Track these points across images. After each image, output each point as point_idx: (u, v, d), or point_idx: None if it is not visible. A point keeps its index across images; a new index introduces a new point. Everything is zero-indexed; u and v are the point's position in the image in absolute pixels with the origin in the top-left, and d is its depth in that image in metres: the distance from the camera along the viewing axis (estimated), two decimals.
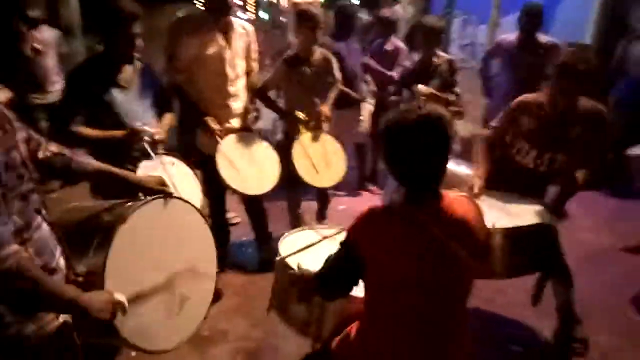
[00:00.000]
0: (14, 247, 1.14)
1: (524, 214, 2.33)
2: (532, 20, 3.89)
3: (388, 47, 4.36)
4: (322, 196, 3.63)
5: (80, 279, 1.45)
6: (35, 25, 1.20)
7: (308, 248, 1.98)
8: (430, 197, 1.43)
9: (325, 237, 2.08)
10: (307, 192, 3.67)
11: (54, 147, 1.55)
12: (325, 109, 3.26)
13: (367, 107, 4.35)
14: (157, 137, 2.38)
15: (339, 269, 1.50)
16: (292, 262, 1.86)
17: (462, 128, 4.36)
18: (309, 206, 3.74)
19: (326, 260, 1.55)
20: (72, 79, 2.38)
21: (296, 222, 3.53)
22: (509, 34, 4.20)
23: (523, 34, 3.96)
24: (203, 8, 2.96)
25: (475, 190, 2.42)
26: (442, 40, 3.67)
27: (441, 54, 3.64)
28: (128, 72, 2.40)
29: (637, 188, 3.06)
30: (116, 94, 2.34)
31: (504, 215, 2.31)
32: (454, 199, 1.46)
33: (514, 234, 2.16)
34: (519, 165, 2.60)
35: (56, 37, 3.82)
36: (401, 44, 4.45)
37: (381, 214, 1.45)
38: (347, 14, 4.11)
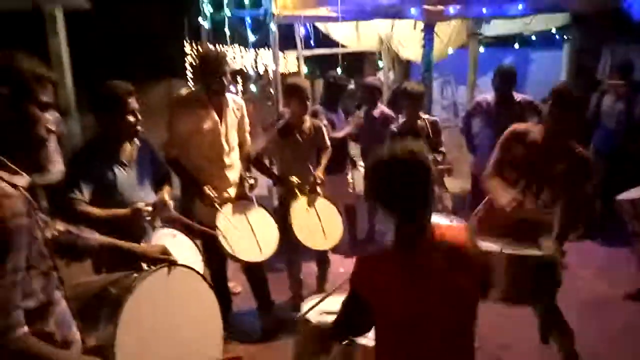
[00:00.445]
0: (25, 329, 1.17)
1: (529, 248, 2.38)
2: (506, 81, 4.20)
3: (376, 113, 4.54)
4: (322, 260, 3.64)
5: (92, 352, 1.46)
6: (47, 108, 1.28)
7: (324, 299, 1.99)
8: (421, 233, 1.46)
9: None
10: (306, 256, 3.70)
11: (60, 226, 1.61)
12: (319, 173, 3.38)
13: (360, 171, 4.49)
14: (158, 205, 2.44)
15: (350, 312, 1.54)
16: (313, 318, 1.89)
17: (452, 185, 4.50)
18: (309, 270, 3.75)
19: (340, 308, 1.59)
20: (75, 160, 2.45)
21: (297, 287, 3.53)
22: (486, 94, 4.47)
23: (498, 93, 4.25)
24: (193, 82, 3.12)
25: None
26: (424, 103, 3.86)
27: (424, 116, 3.82)
28: (128, 149, 2.50)
29: (631, 232, 3.11)
30: (118, 172, 2.42)
31: (509, 247, 2.35)
32: (445, 229, 1.50)
33: (520, 261, 2.22)
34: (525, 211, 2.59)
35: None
36: (387, 110, 4.65)
37: (375, 260, 1.50)
38: (338, 85, 4.38)
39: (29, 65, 1.25)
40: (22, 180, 1.25)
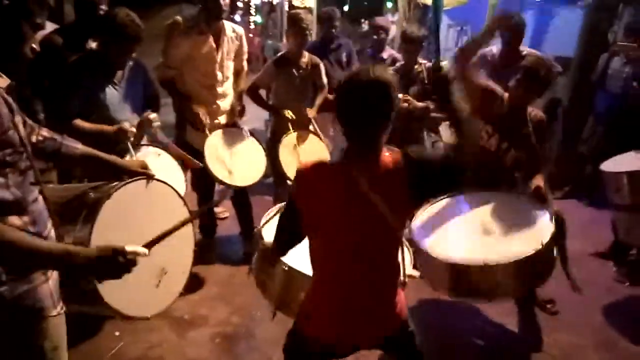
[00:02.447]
0: None
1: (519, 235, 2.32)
2: (514, 34, 3.98)
3: (384, 55, 4.43)
4: None
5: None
6: (38, 29, 1.34)
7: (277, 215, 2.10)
8: (367, 153, 1.52)
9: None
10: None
11: (45, 132, 1.69)
12: (312, 112, 3.43)
13: None
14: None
15: (285, 220, 1.63)
16: (267, 234, 2.01)
17: (447, 134, 4.51)
18: None
19: (279, 216, 1.68)
20: (69, 72, 2.52)
21: None
22: (492, 47, 4.30)
23: (505, 47, 4.05)
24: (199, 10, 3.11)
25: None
26: (421, 48, 3.77)
27: (422, 61, 3.78)
28: (120, 71, 2.59)
29: (610, 201, 3.14)
30: (108, 90, 2.52)
31: (494, 240, 2.31)
32: (389, 156, 1.55)
33: (518, 264, 2.11)
34: (485, 152, 2.73)
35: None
36: (397, 54, 4.49)
37: (318, 167, 1.57)
38: (330, 20, 4.18)
39: None
40: (2, 81, 1.31)
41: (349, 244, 1.54)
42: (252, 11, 7.18)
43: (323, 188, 1.52)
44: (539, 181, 2.57)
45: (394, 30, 7.44)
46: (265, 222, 2.15)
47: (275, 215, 2.17)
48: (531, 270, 2.17)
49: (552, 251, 2.27)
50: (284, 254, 1.75)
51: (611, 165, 3.15)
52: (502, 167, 2.72)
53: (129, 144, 2.45)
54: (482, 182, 2.57)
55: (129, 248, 1.40)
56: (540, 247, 2.13)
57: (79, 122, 2.44)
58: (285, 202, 1.65)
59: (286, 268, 1.92)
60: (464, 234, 2.37)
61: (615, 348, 2.74)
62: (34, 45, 1.38)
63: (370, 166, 1.51)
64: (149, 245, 1.52)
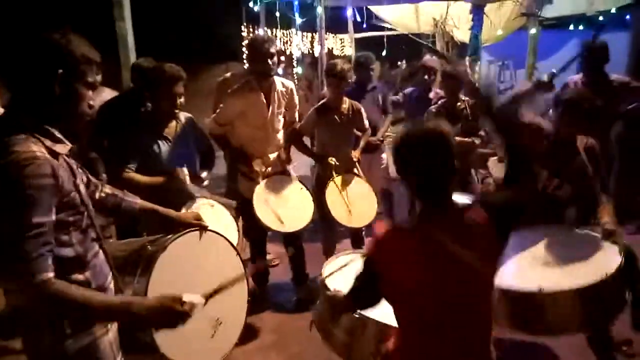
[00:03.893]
0: (50, 275, 1.30)
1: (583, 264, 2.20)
2: (596, 59, 3.76)
3: (431, 95, 4.48)
4: (356, 239, 3.74)
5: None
6: (93, 88, 1.47)
7: (345, 266, 2.10)
8: (443, 209, 1.51)
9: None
10: (342, 234, 3.82)
11: (108, 189, 1.81)
12: (356, 154, 3.47)
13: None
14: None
15: (362, 282, 1.61)
16: (331, 284, 2.01)
17: (496, 169, 4.41)
18: (345, 246, 3.87)
19: (355, 277, 1.66)
20: (125, 132, 2.70)
21: None
22: (575, 76, 4.02)
23: (588, 73, 3.84)
24: (247, 67, 3.26)
25: None
26: (462, 84, 3.75)
27: (465, 98, 3.77)
28: (172, 125, 2.73)
29: None
30: (162, 145, 2.66)
31: (554, 270, 2.19)
32: (466, 210, 1.53)
33: (578, 294, 1.99)
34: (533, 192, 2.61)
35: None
36: (443, 93, 4.53)
37: (396, 232, 1.58)
38: (365, 66, 4.25)
39: (81, 48, 1.40)
40: (63, 147, 1.42)
41: (440, 305, 1.48)
42: (295, 63, 7.47)
43: (406, 254, 1.50)
44: (605, 214, 2.45)
45: None
46: (329, 274, 2.12)
47: (337, 265, 2.16)
48: (594, 304, 2.00)
49: (619, 285, 2.08)
50: (361, 306, 1.74)
51: None
52: (553, 206, 2.61)
53: (185, 191, 2.54)
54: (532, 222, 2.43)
55: (186, 298, 1.44)
56: (605, 276, 1.98)
57: (135, 176, 2.57)
58: (361, 264, 1.61)
59: (357, 316, 1.87)
60: (519, 265, 2.24)
61: None
62: (90, 103, 1.48)
63: (451, 221, 1.50)
64: (206, 296, 1.55)
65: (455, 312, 1.48)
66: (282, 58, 7.50)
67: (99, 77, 1.53)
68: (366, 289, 1.60)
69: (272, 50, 3.07)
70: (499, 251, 1.54)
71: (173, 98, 2.63)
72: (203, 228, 1.99)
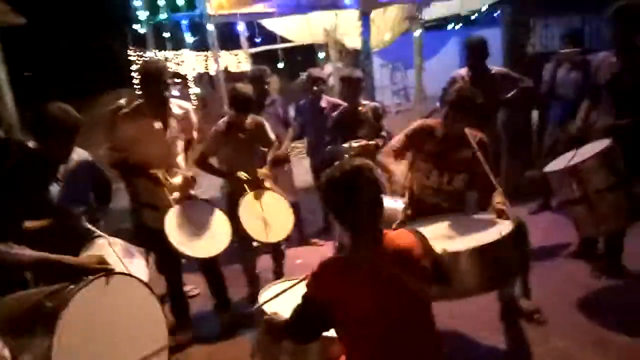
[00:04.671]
0: None
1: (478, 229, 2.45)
2: (477, 54, 4.04)
3: (323, 103, 4.46)
4: (277, 253, 3.69)
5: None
6: None
7: (282, 294, 2.02)
8: (373, 239, 1.60)
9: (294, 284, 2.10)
10: (262, 251, 3.74)
11: None
12: (265, 170, 3.43)
13: (304, 164, 4.50)
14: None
15: (303, 319, 1.62)
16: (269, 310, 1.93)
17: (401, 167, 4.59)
18: (265, 265, 3.80)
19: (293, 311, 1.65)
20: (10, 179, 2.41)
21: (254, 282, 3.56)
22: (461, 70, 4.25)
23: (471, 68, 4.11)
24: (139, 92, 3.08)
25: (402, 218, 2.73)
26: (361, 89, 3.89)
27: (364, 102, 3.88)
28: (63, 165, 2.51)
29: (563, 201, 3.18)
30: (52, 188, 2.43)
31: (455, 240, 2.41)
32: (395, 235, 1.65)
33: (481, 250, 2.21)
34: (430, 189, 2.90)
35: None
36: (337, 100, 4.53)
37: (333, 265, 1.63)
38: (260, 80, 4.26)
39: None
40: None
41: (386, 327, 1.56)
42: (190, 83, 7.27)
43: (347, 284, 1.56)
44: (497, 196, 2.65)
45: (331, 79, 7.71)
46: (267, 301, 2.02)
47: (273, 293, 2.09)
48: (493, 263, 2.22)
49: (511, 248, 2.29)
50: (301, 341, 1.73)
51: (555, 165, 3.21)
52: (451, 199, 2.86)
53: (85, 222, 2.36)
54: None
55: None
56: (499, 237, 2.21)
57: (28, 225, 2.30)
58: (300, 300, 1.63)
59: None
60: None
61: (608, 343, 2.73)
62: None
63: (384, 249, 1.58)
64: None
65: (402, 332, 1.57)
66: (177, 80, 7.29)
67: None
68: (309, 324, 1.62)
69: (166, 76, 2.96)
70: (429, 270, 1.65)
71: (69, 148, 2.45)
72: (109, 272, 1.80)
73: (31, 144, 2.52)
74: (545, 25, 6.02)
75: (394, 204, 2.97)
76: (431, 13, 7.22)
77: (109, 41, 7.46)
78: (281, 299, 1.86)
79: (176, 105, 3.14)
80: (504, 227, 2.37)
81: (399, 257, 1.57)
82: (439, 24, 8.17)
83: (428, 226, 2.56)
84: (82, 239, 2.37)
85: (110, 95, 8.58)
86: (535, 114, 5.29)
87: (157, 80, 2.90)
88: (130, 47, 7.39)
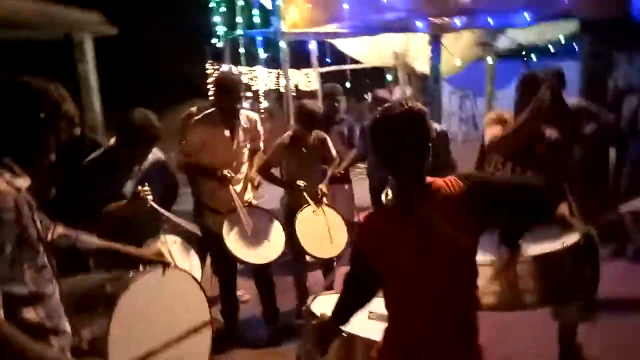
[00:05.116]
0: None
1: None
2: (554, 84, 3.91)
3: None
4: (328, 268, 3.70)
5: (85, 344, 1.57)
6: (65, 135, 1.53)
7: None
8: (418, 183, 1.52)
9: None
10: (313, 265, 3.76)
11: (60, 229, 1.75)
12: (324, 186, 3.47)
13: (364, 184, 4.49)
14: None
15: (355, 272, 1.63)
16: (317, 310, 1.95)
17: None
18: (315, 279, 3.81)
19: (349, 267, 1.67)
20: (84, 174, 2.60)
21: (303, 295, 3.58)
22: None
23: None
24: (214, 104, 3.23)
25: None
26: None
27: (435, 127, 3.79)
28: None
29: (634, 250, 2.92)
30: (128, 184, 2.59)
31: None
32: (443, 182, 1.53)
33: (551, 260, 2.06)
34: None
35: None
36: None
37: (376, 214, 1.63)
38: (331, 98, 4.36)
39: (60, 96, 1.47)
40: (23, 182, 1.38)
41: (424, 279, 1.50)
42: (261, 98, 7.55)
43: (388, 232, 1.53)
44: (565, 206, 2.46)
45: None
46: (313, 299, 2.13)
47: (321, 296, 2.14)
48: (553, 277, 2.05)
49: (576, 261, 2.12)
50: (345, 321, 1.71)
51: (633, 206, 3.00)
52: None
53: (155, 205, 2.44)
54: None
55: None
56: (563, 247, 2.04)
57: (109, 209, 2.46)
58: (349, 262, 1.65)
59: (345, 335, 1.81)
60: None
61: None
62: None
63: (428, 195, 1.50)
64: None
65: (438, 285, 1.48)
66: (249, 94, 7.60)
67: None
68: (358, 279, 1.62)
69: (240, 89, 3.11)
70: (478, 222, 1.51)
71: (145, 155, 2.62)
72: (165, 264, 1.92)
73: (112, 141, 2.72)
74: (628, 58, 5.70)
75: None
76: (506, 41, 7.07)
77: (189, 54, 7.91)
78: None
79: (245, 116, 3.28)
80: (569, 238, 2.17)
81: (446, 205, 1.47)
82: (514, 53, 7.95)
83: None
84: (148, 233, 2.51)
85: (186, 105, 9.08)
86: (612, 152, 4.98)
87: (231, 91, 3.04)
88: (209, 61, 7.81)
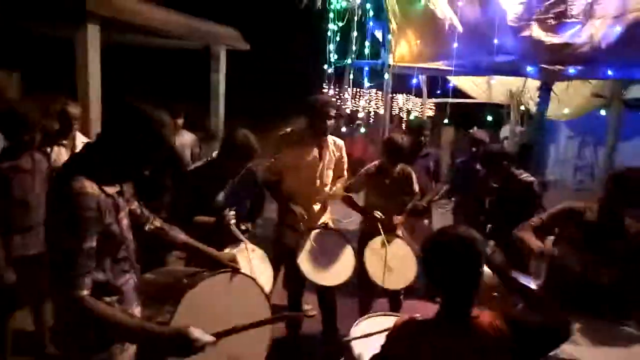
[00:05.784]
0: (85, 291, 1.54)
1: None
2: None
3: (479, 166, 4.39)
4: (394, 300, 3.75)
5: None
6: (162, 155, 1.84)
7: (375, 334, 2.14)
8: (462, 314, 1.56)
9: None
10: (380, 293, 3.84)
11: (157, 223, 2.06)
12: (401, 218, 3.56)
13: (446, 220, 4.47)
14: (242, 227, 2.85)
15: None
16: (357, 347, 2.06)
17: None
18: (381, 308, 3.87)
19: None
20: (189, 179, 2.98)
21: None
22: None
23: None
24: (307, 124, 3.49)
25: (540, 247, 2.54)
26: (503, 165, 3.67)
27: (522, 176, 3.70)
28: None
29: None
30: (219, 196, 2.93)
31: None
32: (490, 320, 1.56)
33: None
34: (571, 278, 2.56)
35: (192, 140, 4.74)
36: None
37: (414, 328, 1.63)
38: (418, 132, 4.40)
39: (162, 121, 1.68)
40: (112, 188, 1.70)
41: None
42: (361, 122, 7.78)
43: (418, 350, 1.55)
44: None
45: (505, 143, 7.49)
46: (353, 339, 2.20)
47: (367, 329, 2.20)
48: None
49: None
50: None
51: None
52: (591, 293, 2.49)
53: (234, 228, 2.76)
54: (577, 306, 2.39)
55: (196, 333, 1.60)
56: None
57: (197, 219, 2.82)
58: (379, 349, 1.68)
59: None
60: None
61: None
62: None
63: (467, 330, 1.54)
64: (218, 335, 1.69)
65: None
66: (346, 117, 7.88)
67: (180, 121, 1.82)
68: None
69: (331, 112, 3.32)
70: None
71: (241, 170, 2.93)
72: (235, 270, 2.13)
73: (214, 154, 3.09)
74: None
75: (527, 282, 2.82)
76: (637, 92, 6.52)
77: (307, 76, 8.40)
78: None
79: (332, 140, 3.50)
80: None
81: (484, 344, 1.49)
82: None
83: None
84: (230, 240, 2.80)
85: (297, 121, 9.61)
86: None
87: (319, 110, 3.28)
88: (325, 84, 8.24)
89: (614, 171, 2.55)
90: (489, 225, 3.79)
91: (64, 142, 3.56)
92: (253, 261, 2.75)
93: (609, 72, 4.34)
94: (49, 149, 3.31)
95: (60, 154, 3.42)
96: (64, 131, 3.55)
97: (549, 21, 4.30)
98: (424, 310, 3.99)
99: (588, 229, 2.55)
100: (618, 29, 4.15)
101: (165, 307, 1.96)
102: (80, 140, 3.64)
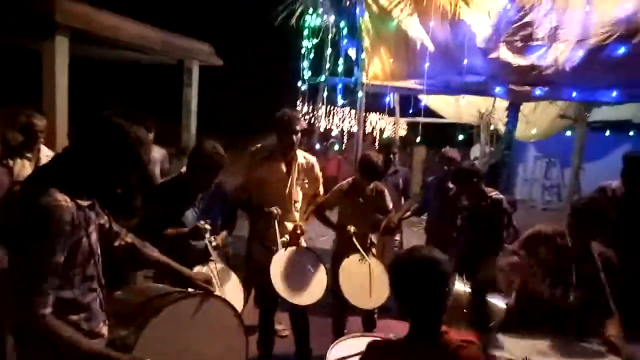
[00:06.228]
0: (49, 310, 1.47)
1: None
2: (634, 169, 3.61)
3: (450, 184, 4.39)
4: (368, 319, 3.72)
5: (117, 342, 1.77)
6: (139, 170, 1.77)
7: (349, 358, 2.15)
8: (431, 334, 1.59)
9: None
10: (354, 312, 3.80)
11: (129, 238, 1.96)
12: (374, 237, 3.55)
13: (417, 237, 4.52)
14: (213, 243, 2.80)
15: None
16: None
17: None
18: (355, 328, 3.83)
19: None
20: (156, 195, 2.93)
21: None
22: (613, 181, 3.85)
23: (626, 183, 3.69)
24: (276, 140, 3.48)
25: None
26: (474, 182, 3.68)
27: (493, 194, 3.76)
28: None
29: None
30: (188, 212, 2.88)
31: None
32: (457, 338, 1.59)
33: None
34: (540, 298, 2.69)
35: (162, 155, 4.66)
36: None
37: (386, 348, 1.65)
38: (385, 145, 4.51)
39: (139, 135, 1.63)
40: (85, 201, 1.63)
41: None
42: (335, 140, 7.84)
43: None
44: (612, 329, 2.41)
45: (476, 163, 7.63)
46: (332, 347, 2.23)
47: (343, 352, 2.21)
48: None
49: None
50: None
51: None
52: (563, 310, 2.60)
53: (207, 243, 2.70)
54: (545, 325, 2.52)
55: None
56: None
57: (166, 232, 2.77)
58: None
59: None
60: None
61: None
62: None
63: (436, 348, 1.56)
64: None
65: None
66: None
67: (151, 135, 1.77)
68: None
69: (298, 126, 3.32)
70: None
71: (210, 182, 2.90)
72: (208, 293, 2.03)
73: (183, 169, 3.04)
74: None
75: (498, 302, 2.85)
76: (600, 114, 6.77)
77: (281, 93, 8.43)
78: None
79: (302, 156, 3.49)
80: None
81: (452, 357, 1.53)
82: (610, 127, 7.54)
83: (526, 340, 2.42)
84: (200, 258, 2.75)
85: (267, 137, 9.60)
86: None
87: (287, 125, 3.27)
88: (298, 101, 8.28)
89: (574, 204, 2.67)
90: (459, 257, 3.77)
91: (28, 155, 3.46)
92: (225, 280, 2.69)
93: (574, 94, 4.49)
94: (10, 162, 3.19)
95: (24, 167, 3.31)
96: (28, 144, 3.45)
97: (516, 43, 4.42)
98: (398, 329, 3.99)
99: (557, 252, 2.66)
100: (580, 53, 4.30)
101: (131, 328, 1.88)
102: (45, 154, 3.54)
